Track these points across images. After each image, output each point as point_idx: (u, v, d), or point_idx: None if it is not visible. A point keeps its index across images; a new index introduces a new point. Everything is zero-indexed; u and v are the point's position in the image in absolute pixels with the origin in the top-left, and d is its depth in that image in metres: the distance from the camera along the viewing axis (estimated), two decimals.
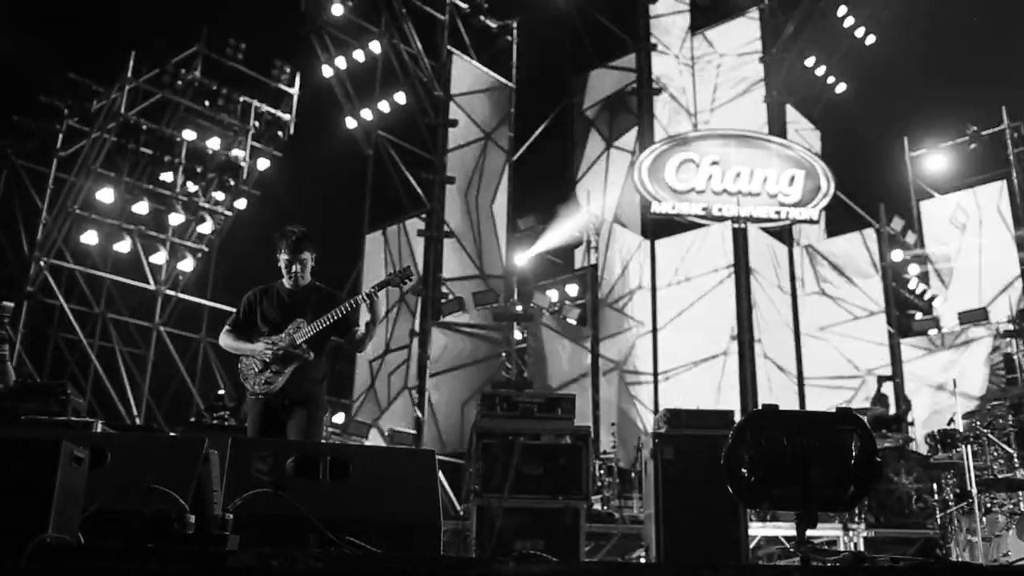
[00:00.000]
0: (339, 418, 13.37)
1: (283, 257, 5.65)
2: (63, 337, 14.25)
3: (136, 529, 2.99)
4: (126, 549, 2.72)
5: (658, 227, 16.19)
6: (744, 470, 3.55)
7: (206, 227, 14.66)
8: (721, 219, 15.61)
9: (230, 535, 2.93)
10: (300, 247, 5.64)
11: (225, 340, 5.76)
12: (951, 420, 9.00)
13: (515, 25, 16.85)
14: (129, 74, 13.82)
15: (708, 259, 15.46)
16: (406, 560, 2.80)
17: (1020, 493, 7.93)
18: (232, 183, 14.73)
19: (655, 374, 15.10)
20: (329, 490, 3.99)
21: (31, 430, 6.91)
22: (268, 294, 5.75)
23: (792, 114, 17.76)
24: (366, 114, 16.08)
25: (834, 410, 3.87)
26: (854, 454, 3.54)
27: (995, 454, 8.64)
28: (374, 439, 13.04)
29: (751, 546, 7.91)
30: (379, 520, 3.89)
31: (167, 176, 14.18)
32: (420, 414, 14.09)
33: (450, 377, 14.10)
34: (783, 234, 16.48)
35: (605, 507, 10.45)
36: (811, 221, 16.30)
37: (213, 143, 14.50)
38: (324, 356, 5.71)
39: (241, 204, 15.01)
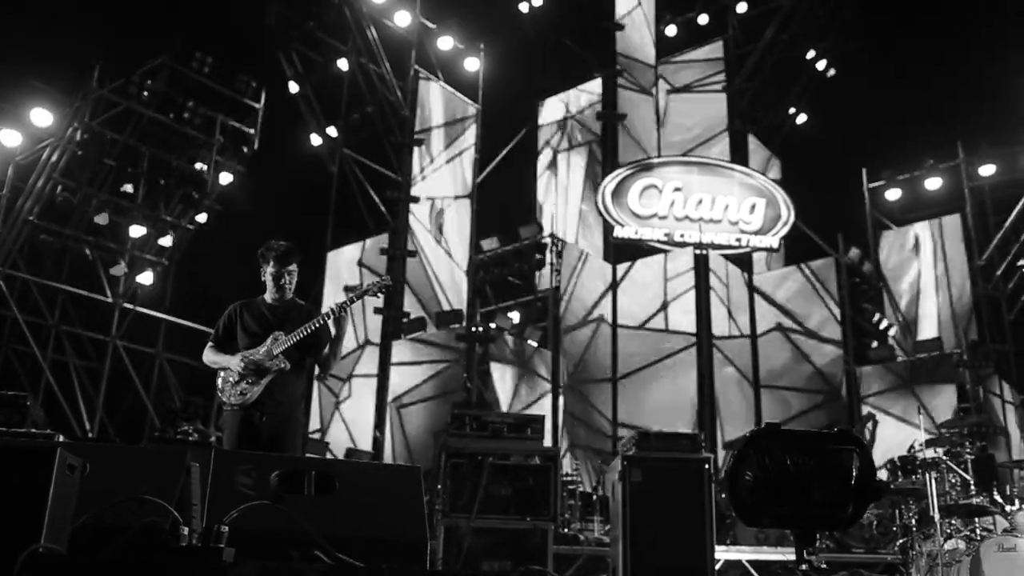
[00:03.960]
0: None
1: (271, 269, 5.71)
2: (14, 349, 13.95)
3: (128, 540, 2.93)
4: (122, 560, 2.67)
5: (620, 251, 16.28)
6: (745, 488, 3.57)
7: (167, 240, 14.48)
8: (683, 245, 15.75)
9: (225, 548, 2.88)
10: (288, 258, 5.72)
11: (207, 356, 5.75)
12: (911, 447, 9.14)
13: (482, 47, 16.92)
14: (94, 83, 13.65)
15: (668, 284, 15.58)
16: (398, 574, 2.77)
17: (977, 520, 8.09)
18: (195, 196, 14.58)
19: (614, 397, 15.12)
20: (315, 506, 3.94)
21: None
22: (249, 308, 5.78)
23: (753, 143, 18.01)
24: (331, 131, 16.05)
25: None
26: (854, 474, 3.58)
27: (953, 481, 8.82)
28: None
29: (716, 568, 7.92)
30: (365, 536, 3.85)
31: (129, 187, 13.99)
32: (379, 434, 14.00)
33: (412, 397, 14.05)
34: (743, 261, 16.67)
35: (567, 529, 10.44)
36: (771, 249, 16.51)
37: (176, 156, 14.35)
38: (303, 374, 5.72)
39: (203, 218, 14.87)
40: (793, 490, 3.53)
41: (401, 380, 14.21)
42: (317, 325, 5.54)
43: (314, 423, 14.48)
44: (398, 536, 3.90)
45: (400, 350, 14.44)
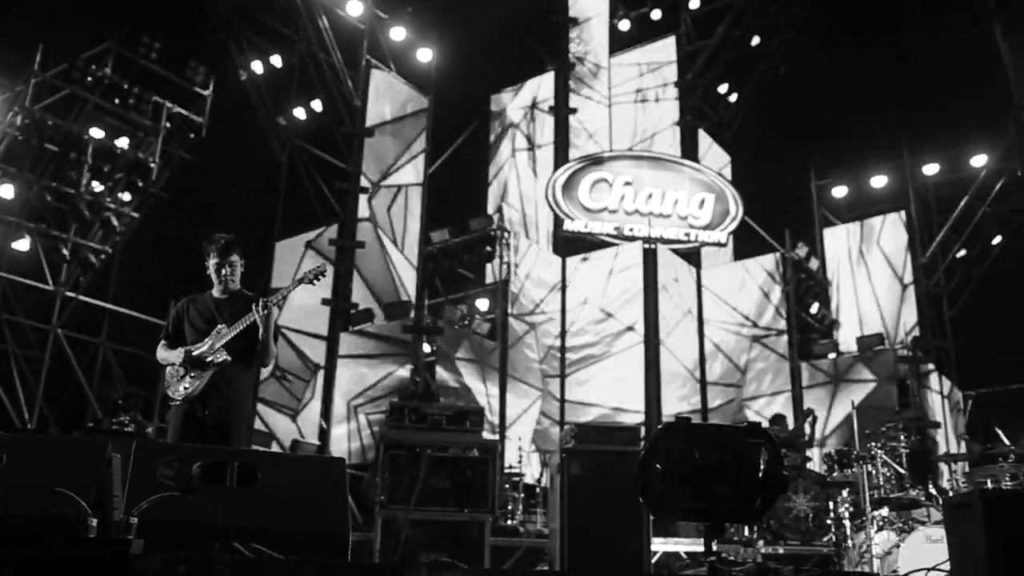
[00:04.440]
0: None
1: (212, 262, 5.75)
2: None
3: (35, 533, 2.90)
4: (25, 552, 2.64)
5: (569, 244, 16.34)
6: (655, 481, 3.61)
7: (110, 228, 14.25)
8: (632, 239, 15.84)
9: (134, 539, 2.86)
10: (229, 251, 5.75)
11: (158, 353, 5.80)
12: (847, 441, 9.29)
13: (435, 38, 16.86)
14: (36, 67, 13.40)
15: (618, 277, 15.67)
16: (318, 567, 2.78)
17: (911, 511, 8.26)
18: (140, 184, 14.37)
19: (562, 390, 15.20)
20: (236, 497, 3.93)
21: None
22: (196, 303, 5.83)
23: (704, 138, 18.16)
24: (281, 120, 15.92)
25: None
26: (762, 468, 3.63)
27: (888, 474, 8.98)
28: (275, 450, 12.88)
29: (653, 561, 8.01)
30: (287, 528, 3.85)
31: (72, 174, 13.75)
32: (325, 424, 13.95)
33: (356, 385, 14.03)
34: (692, 256, 16.81)
35: (510, 521, 10.48)
36: (719, 244, 16.66)
37: (122, 142, 14.12)
38: (251, 365, 5.74)
39: (148, 206, 14.66)
40: (701, 483, 3.58)
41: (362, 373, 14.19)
42: (251, 319, 5.54)
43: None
44: (319, 528, 3.90)
45: (347, 340, 14.39)
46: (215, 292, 5.81)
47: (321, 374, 14.51)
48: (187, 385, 5.50)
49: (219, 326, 5.60)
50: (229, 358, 5.54)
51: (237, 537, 3.54)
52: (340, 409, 13.99)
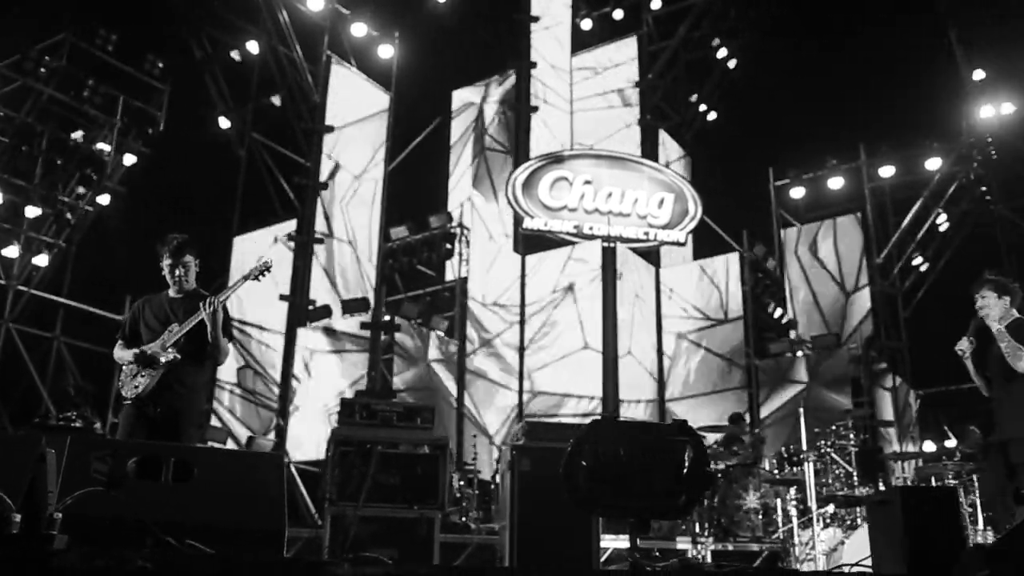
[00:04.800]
0: None
1: (166, 263, 5.81)
2: None
3: None
4: None
5: (529, 242, 16.37)
6: (581, 477, 3.65)
7: (64, 222, 14.09)
8: (591, 237, 15.88)
9: (57, 535, 2.84)
10: (182, 252, 5.81)
11: (115, 353, 5.83)
12: (798, 439, 9.41)
13: (397, 35, 16.82)
14: None
15: (577, 276, 15.74)
16: (238, 562, 2.78)
17: (858, 509, 8.39)
18: (95, 178, 14.20)
19: (520, 386, 15.25)
20: (172, 493, 3.92)
21: None
22: (152, 303, 5.88)
23: (664, 138, 18.25)
24: (240, 115, 15.82)
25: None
26: (687, 464, 3.68)
27: (837, 472, 9.12)
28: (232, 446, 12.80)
29: (603, 558, 8.06)
30: (223, 524, 3.84)
31: (25, 167, 13.57)
32: (282, 421, 13.89)
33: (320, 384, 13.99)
34: (651, 255, 16.91)
35: (464, 518, 10.49)
36: (678, 243, 16.75)
37: (76, 135, 13.96)
38: (202, 363, 5.76)
39: (104, 200, 14.50)
40: (626, 480, 3.62)
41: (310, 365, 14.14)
42: (200, 317, 5.61)
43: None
44: (255, 524, 3.90)
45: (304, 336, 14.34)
46: (171, 292, 5.86)
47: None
48: (138, 384, 5.56)
49: (171, 325, 5.66)
50: (179, 356, 5.59)
51: (170, 532, 3.53)
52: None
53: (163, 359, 5.55)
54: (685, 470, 3.63)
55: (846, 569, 4.88)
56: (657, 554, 8.46)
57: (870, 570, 4.10)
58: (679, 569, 3.66)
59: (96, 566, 2.46)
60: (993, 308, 6.18)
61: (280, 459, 4.20)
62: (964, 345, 6.13)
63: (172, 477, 3.97)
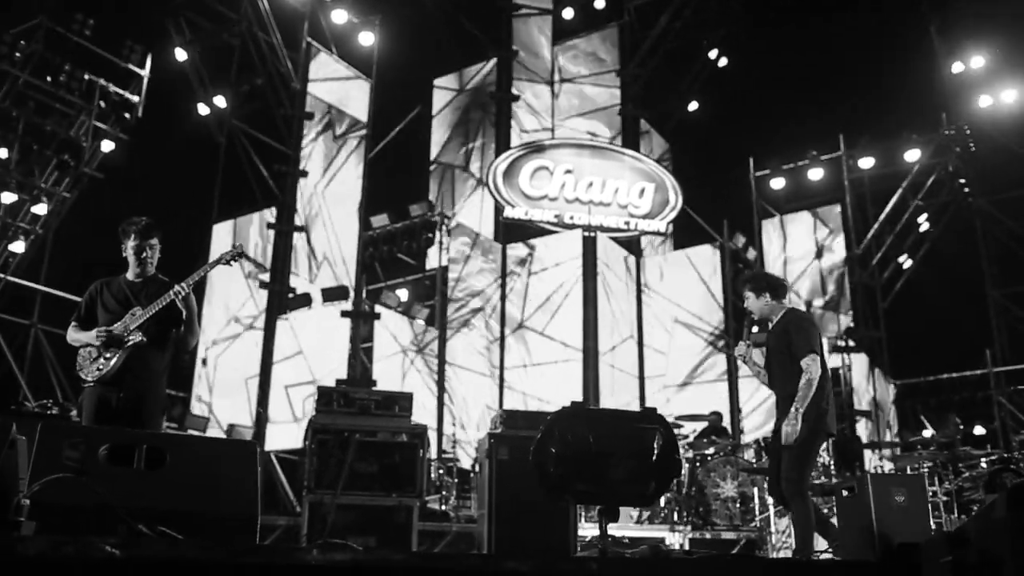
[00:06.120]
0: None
1: (131, 244, 5.68)
2: None
3: None
4: None
5: (510, 231, 16.37)
6: (550, 464, 3.64)
7: (41, 208, 13.97)
8: (572, 227, 15.90)
9: (25, 521, 2.83)
10: (149, 232, 5.71)
11: (69, 335, 5.71)
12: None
13: (377, 22, 16.73)
14: None
15: (558, 265, 15.76)
16: (208, 548, 2.77)
17: (833, 498, 8.43)
18: (72, 164, 14.07)
19: (501, 376, 15.27)
20: (144, 479, 3.90)
21: None
22: (110, 286, 5.76)
23: (645, 128, 18.27)
24: (220, 101, 15.72)
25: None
26: (656, 452, 3.68)
27: (815, 462, 9.16)
28: (214, 434, 12.74)
29: (581, 545, 8.07)
30: (195, 511, 3.82)
31: (1, 153, 13.42)
32: (262, 409, 13.84)
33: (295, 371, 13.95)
34: (632, 244, 16.94)
35: (443, 506, 10.50)
36: (659, 233, 16.80)
37: (53, 121, 13.83)
38: (165, 349, 5.70)
39: (81, 186, 14.37)
40: (595, 467, 3.62)
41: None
42: (169, 299, 5.52)
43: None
44: (228, 511, 3.88)
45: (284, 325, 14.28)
46: (129, 275, 5.75)
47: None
48: (100, 366, 5.46)
49: (134, 308, 5.57)
50: (145, 339, 5.50)
51: (142, 519, 3.51)
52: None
53: (131, 341, 5.47)
54: (654, 457, 3.64)
55: (815, 556, 4.90)
56: (626, 540, 8.47)
57: (836, 557, 4.13)
58: (649, 555, 3.67)
59: (64, 553, 2.44)
60: (754, 306, 6.18)
61: (253, 446, 4.18)
62: (742, 350, 6.13)
63: (144, 464, 3.95)
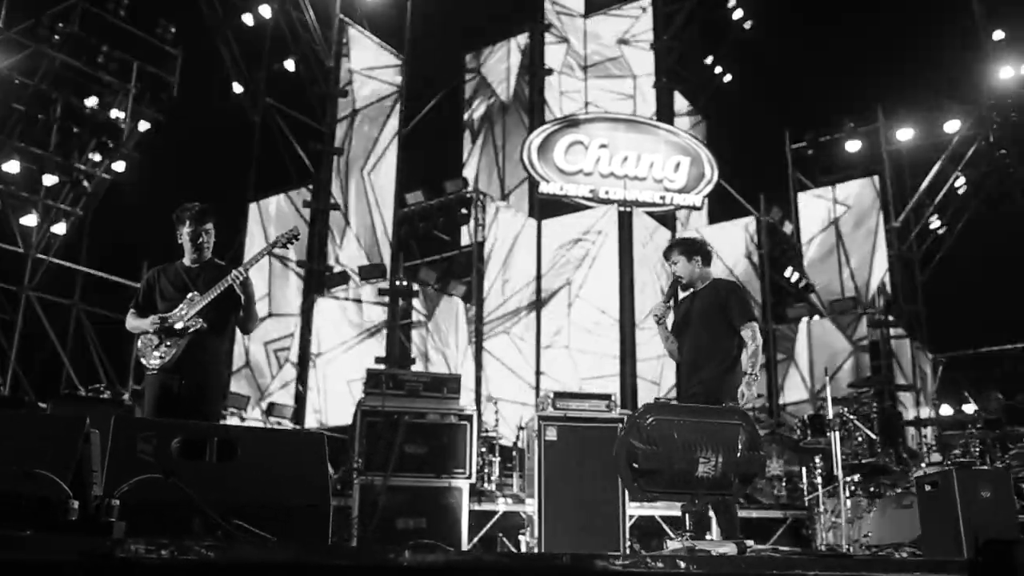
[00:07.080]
0: None
1: (187, 230, 5.68)
2: None
3: (13, 515, 2.87)
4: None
5: (545, 207, 16.31)
6: (635, 460, 3.63)
7: (81, 189, 14.04)
8: (608, 202, 15.82)
9: (116, 522, 2.85)
10: (204, 217, 5.71)
11: (128, 322, 5.73)
12: (821, 406, 9.38)
13: None
14: (0, 24, 13.09)
15: (595, 241, 15.71)
16: (300, 549, 2.78)
17: (881, 477, 8.38)
18: (111, 145, 14.11)
19: (537, 352, 15.25)
20: (216, 472, 3.91)
21: None
22: (167, 272, 5.77)
23: (680, 101, 18.11)
24: (254, 80, 15.71)
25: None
26: (739, 448, 3.67)
27: (859, 439, 9.08)
28: (253, 411, 12.85)
29: (629, 524, 8.08)
30: (267, 503, 3.83)
31: (40, 135, 13.48)
32: (301, 387, 13.94)
33: (336, 352, 14.00)
34: (667, 219, 16.84)
35: (486, 484, 10.53)
36: (694, 207, 16.68)
37: (91, 102, 13.87)
38: (224, 334, 5.72)
39: (120, 167, 14.43)
40: (680, 463, 3.60)
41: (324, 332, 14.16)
42: (226, 285, 5.52)
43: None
44: (300, 503, 3.90)
45: (323, 304, 14.34)
46: (186, 261, 5.75)
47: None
48: (162, 354, 5.47)
49: (191, 294, 5.56)
50: (205, 325, 5.50)
51: (216, 513, 3.53)
52: None
53: (191, 328, 5.48)
54: (738, 453, 3.63)
55: (896, 556, 4.88)
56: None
57: (920, 556, 4.09)
58: (736, 554, 3.63)
59: (162, 556, 2.45)
60: (683, 270, 6.24)
61: (321, 437, 4.18)
62: (661, 310, 6.16)
63: (216, 457, 3.97)
